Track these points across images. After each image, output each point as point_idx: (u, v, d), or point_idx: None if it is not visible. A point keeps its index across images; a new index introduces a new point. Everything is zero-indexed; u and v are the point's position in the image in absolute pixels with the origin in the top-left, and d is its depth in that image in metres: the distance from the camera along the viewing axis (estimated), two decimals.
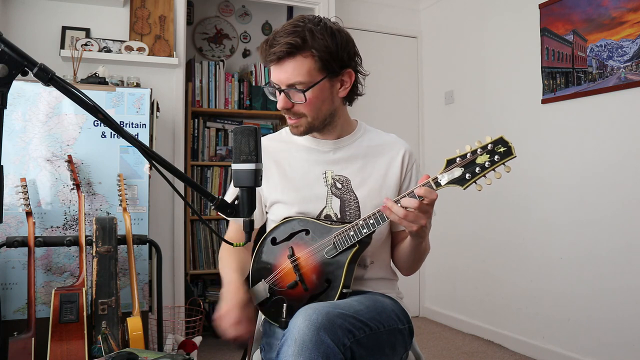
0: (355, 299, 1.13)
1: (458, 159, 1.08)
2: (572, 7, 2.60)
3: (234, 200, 0.88)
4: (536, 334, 2.78)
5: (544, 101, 2.76)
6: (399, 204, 1.07)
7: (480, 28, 3.24)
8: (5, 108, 0.71)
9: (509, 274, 2.97)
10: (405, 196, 1.08)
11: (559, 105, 2.68)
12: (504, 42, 3.05)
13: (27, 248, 1.94)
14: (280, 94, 1.19)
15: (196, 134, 3.39)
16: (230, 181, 1.42)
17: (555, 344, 2.66)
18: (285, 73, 1.16)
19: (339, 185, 1.27)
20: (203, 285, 3.42)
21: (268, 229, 1.31)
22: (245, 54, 3.84)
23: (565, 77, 2.64)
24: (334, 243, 1.16)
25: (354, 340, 0.99)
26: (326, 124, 1.25)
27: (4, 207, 0.70)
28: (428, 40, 3.80)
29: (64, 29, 2.74)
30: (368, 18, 3.67)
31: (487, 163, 1.05)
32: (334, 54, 1.18)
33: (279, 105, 1.21)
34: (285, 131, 1.39)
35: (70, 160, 2.12)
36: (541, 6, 2.76)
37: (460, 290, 3.39)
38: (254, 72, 3.49)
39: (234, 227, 1.38)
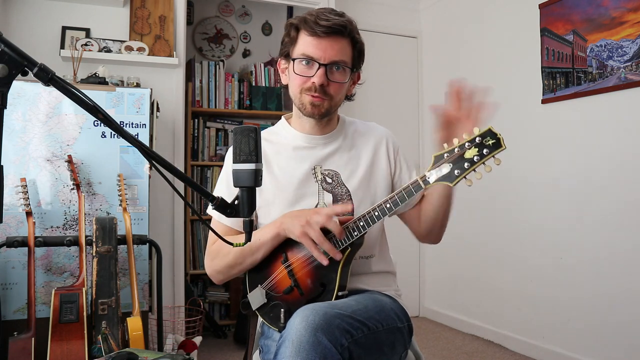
0: (354, 298, 1.13)
1: (446, 154, 1.05)
2: (572, 7, 2.60)
3: (233, 200, 0.87)
4: (536, 334, 2.78)
5: (544, 101, 2.76)
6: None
7: (480, 28, 3.24)
8: (5, 108, 0.71)
9: (509, 274, 2.97)
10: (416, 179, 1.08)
11: (559, 105, 2.68)
12: (504, 42, 3.05)
13: (27, 248, 1.94)
14: (319, 68, 1.16)
15: (196, 134, 3.39)
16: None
17: (555, 344, 2.66)
18: (332, 50, 1.16)
19: (329, 180, 1.26)
20: (203, 285, 3.42)
21: None
22: (245, 54, 3.85)
23: (565, 77, 2.64)
24: None
25: (352, 340, 0.98)
26: (332, 112, 1.27)
27: (4, 207, 0.70)
28: (428, 40, 3.80)
29: (64, 29, 2.74)
30: (368, 18, 3.66)
31: (475, 157, 1.01)
32: (362, 52, 1.25)
33: (316, 80, 1.16)
34: (274, 130, 1.36)
35: (70, 160, 2.12)
36: (541, 6, 2.76)
37: (460, 290, 3.39)
38: (254, 72, 3.50)
39: (223, 230, 1.32)
